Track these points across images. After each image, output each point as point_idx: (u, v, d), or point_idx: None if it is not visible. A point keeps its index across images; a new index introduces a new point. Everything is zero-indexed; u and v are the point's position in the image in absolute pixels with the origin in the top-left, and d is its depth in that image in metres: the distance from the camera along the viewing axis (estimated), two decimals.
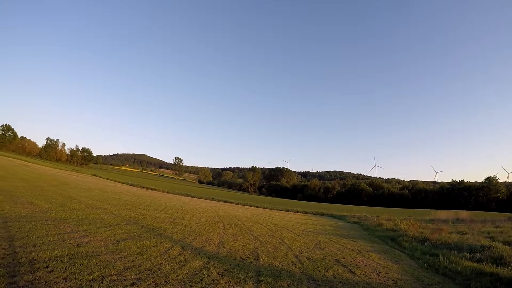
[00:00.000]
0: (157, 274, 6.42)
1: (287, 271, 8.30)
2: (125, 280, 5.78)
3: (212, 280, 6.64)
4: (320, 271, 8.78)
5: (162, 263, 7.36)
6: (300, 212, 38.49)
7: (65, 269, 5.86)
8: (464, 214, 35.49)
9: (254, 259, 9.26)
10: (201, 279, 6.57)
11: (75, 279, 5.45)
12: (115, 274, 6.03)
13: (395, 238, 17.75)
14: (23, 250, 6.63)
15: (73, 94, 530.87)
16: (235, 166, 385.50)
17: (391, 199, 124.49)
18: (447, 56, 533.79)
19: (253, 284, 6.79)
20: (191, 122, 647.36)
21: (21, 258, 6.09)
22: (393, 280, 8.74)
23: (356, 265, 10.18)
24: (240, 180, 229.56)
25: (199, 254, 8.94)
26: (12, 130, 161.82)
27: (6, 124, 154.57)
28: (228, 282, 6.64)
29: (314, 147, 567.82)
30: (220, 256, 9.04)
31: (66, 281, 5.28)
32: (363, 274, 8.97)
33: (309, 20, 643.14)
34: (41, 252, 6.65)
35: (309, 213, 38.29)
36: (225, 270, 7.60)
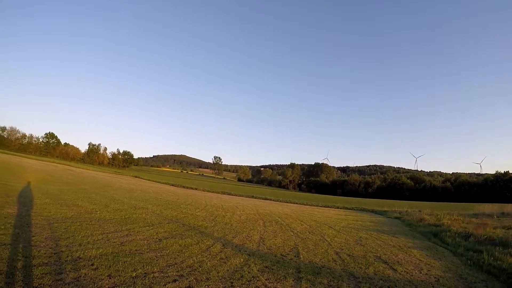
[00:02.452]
0: (199, 271, 6.62)
1: (328, 268, 8.26)
2: (167, 277, 6.03)
3: (252, 276, 6.76)
4: (360, 268, 8.66)
5: (204, 260, 7.59)
6: (340, 208, 38.27)
7: (110, 266, 6.21)
8: (510, 207, 33.07)
9: (295, 256, 9.30)
10: (242, 276, 6.70)
11: (119, 276, 5.76)
12: (158, 271, 6.30)
13: (437, 233, 17.21)
14: (69, 249, 7.08)
15: (113, 100, 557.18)
16: (274, 163, 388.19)
17: (433, 192, 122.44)
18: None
19: (293, 281, 6.83)
20: (230, 121, 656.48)
21: (67, 256, 6.51)
22: (435, 277, 8.42)
23: (398, 262, 9.93)
24: (280, 177, 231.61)
25: (240, 251, 9.11)
26: (56, 137, 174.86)
27: (49, 132, 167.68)
28: (268, 279, 6.72)
29: (354, 142, 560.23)
30: (260, 253, 9.17)
31: (110, 278, 5.59)
32: (405, 271, 8.73)
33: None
34: (86, 251, 7.07)
35: (349, 209, 38.04)
36: (266, 267, 7.71)
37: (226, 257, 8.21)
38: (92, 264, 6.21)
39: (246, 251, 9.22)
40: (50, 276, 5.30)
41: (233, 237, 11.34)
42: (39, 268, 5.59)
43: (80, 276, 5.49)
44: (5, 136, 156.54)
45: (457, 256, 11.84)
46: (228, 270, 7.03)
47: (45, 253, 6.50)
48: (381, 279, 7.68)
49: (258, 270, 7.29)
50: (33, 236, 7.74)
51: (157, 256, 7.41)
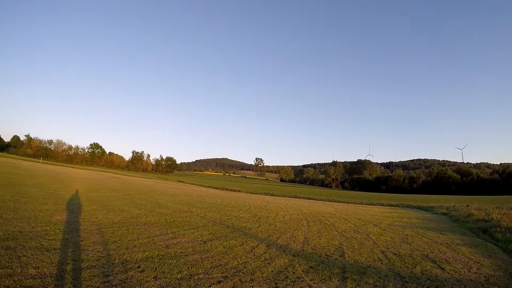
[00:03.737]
0: (243, 272, 6.68)
1: (373, 268, 8.04)
2: (212, 278, 6.13)
3: (297, 277, 6.71)
4: (407, 267, 8.35)
5: (248, 261, 7.65)
6: (385, 205, 37.39)
7: (155, 268, 6.40)
8: None
9: (339, 256, 9.14)
10: (286, 277, 6.67)
11: (165, 277, 5.93)
12: (202, 272, 6.42)
13: (486, 229, 16.19)
14: (116, 252, 7.39)
15: (155, 107, 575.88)
16: (316, 162, 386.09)
17: (481, 185, 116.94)
18: None
19: (338, 281, 6.71)
20: (271, 122, 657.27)
21: (115, 259, 6.79)
22: (485, 276, 7.92)
23: (446, 260, 9.45)
24: (322, 176, 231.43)
25: (284, 252, 9.08)
26: (100, 147, 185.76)
27: (94, 142, 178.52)
28: (313, 280, 6.65)
29: (396, 136, 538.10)
30: (304, 254, 9.09)
31: (156, 280, 5.77)
32: (453, 270, 8.29)
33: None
34: (133, 254, 7.35)
35: (394, 206, 37.04)
36: (310, 267, 7.63)
37: (271, 258, 8.22)
38: (139, 267, 6.43)
39: (290, 251, 9.19)
40: (98, 278, 5.54)
41: (277, 237, 11.35)
42: (88, 270, 5.86)
43: (127, 278, 5.70)
44: (52, 148, 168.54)
45: (508, 253, 11.23)
46: (272, 271, 7.03)
47: (93, 257, 6.81)
48: (428, 279, 7.39)
49: (302, 271, 7.23)
50: (81, 241, 8.13)
51: (201, 258, 7.55)
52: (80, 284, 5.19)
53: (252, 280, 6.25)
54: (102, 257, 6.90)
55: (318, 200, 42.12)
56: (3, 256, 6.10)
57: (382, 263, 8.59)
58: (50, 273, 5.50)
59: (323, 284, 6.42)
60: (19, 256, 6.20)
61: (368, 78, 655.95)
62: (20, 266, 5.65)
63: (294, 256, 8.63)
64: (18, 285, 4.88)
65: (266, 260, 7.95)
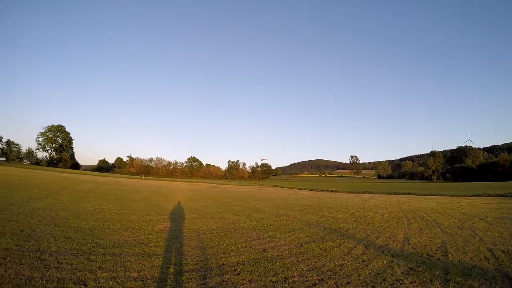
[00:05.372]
0: (339, 275, 6.56)
1: (479, 268, 7.27)
2: (307, 281, 6.13)
3: (395, 280, 6.39)
4: None
5: (345, 263, 7.49)
6: (492, 196, 33.77)
7: (251, 272, 6.61)
8: None
9: (442, 255, 8.48)
10: (384, 279, 6.40)
11: (260, 280, 6.10)
12: (298, 275, 6.46)
13: None
14: (214, 256, 7.80)
15: (247, 115, 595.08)
16: (414, 154, 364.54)
17: None
18: None
19: (440, 284, 6.22)
20: (364, 118, 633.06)
21: (212, 263, 7.17)
22: None
23: None
24: (421, 168, 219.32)
25: (383, 252, 8.73)
26: (198, 160, 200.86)
27: (191, 156, 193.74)
28: (413, 282, 6.27)
29: (499, 115, 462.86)
30: (404, 254, 8.63)
31: (251, 282, 5.96)
32: None
33: None
34: (230, 258, 7.69)
35: (502, 196, 33.27)
36: (410, 268, 7.20)
37: (368, 259, 7.96)
38: (235, 270, 6.70)
39: (389, 252, 8.81)
40: (196, 281, 5.92)
41: (375, 237, 10.96)
42: (187, 274, 6.30)
43: (223, 281, 5.98)
44: (153, 165, 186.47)
45: None
46: (370, 273, 6.80)
47: (192, 261, 7.29)
48: None
49: (402, 273, 6.87)
50: (182, 247, 8.74)
51: (297, 261, 7.59)
52: (179, 286, 5.61)
53: (349, 283, 6.12)
54: (201, 261, 7.34)
55: (419, 195, 39.89)
56: (109, 261, 6.88)
57: (489, 263, 7.79)
58: (151, 276, 6.03)
59: None
60: (123, 261, 6.92)
61: (463, 52, 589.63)
62: (124, 270, 6.31)
63: (393, 256, 8.26)
64: (121, 287, 5.47)
65: (364, 261, 7.73)
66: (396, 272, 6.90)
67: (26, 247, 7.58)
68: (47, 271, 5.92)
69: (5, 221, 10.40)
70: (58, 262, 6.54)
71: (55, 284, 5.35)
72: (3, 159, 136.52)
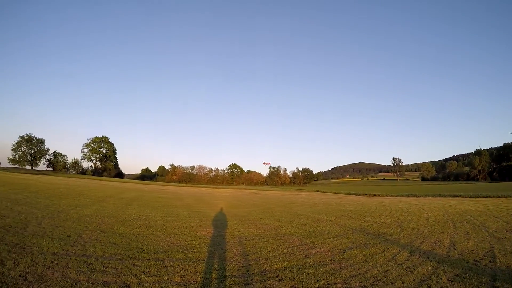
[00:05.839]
0: (383, 282, 6.43)
1: None
2: (349, 287, 6.01)
3: (441, 287, 6.16)
4: None
5: (389, 269, 7.33)
6: None
7: (294, 278, 6.57)
8: None
9: (490, 261, 8.09)
10: (429, 286, 6.19)
11: (302, 287, 6.07)
12: (340, 282, 6.36)
13: None
14: (256, 262, 7.83)
15: (287, 121, 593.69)
16: (459, 154, 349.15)
17: None
18: None
19: None
20: (404, 118, 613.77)
21: (254, 269, 7.20)
22: None
23: None
24: (467, 169, 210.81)
25: (428, 258, 8.45)
26: (238, 167, 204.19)
27: (232, 163, 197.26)
28: None
29: None
30: (450, 260, 8.29)
31: None
32: None
33: None
34: (272, 264, 7.69)
35: None
36: (456, 275, 6.90)
37: (413, 265, 7.74)
38: (277, 276, 6.69)
39: (434, 257, 8.49)
40: (238, 286, 5.98)
41: (420, 242, 10.62)
42: (229, 279, 6.37)
43: (265, 287, 6.00)
44: (194, 173, 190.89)
45: None
46: (414, 280, 6.59)
47: (234, 267, 7.36)
48: None
49: (447, 280, 6.59)
50: (224, 253, 8.84)
51: (340, 267, 7.49)
52: None
53: None
54: (243, 267, 7.40)
55: (464, 197, 38.21)
56: (153, 266, 7.08)
57: None
58: (194, 281, 6.14)
59: None
60: (167, 266, 7.10)
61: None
62: (167, 275, 6.47)
63: (438, 262, 7.97)
64: None
65: (408, 268, 7.51)
66: (441, 279, 6.65)
67: (73, 251, 7.95)
68: (93, 275, 6.18)
69: (53, 227, 10.96)
70: (103, 266, 6.81)
71: (100, 287, 5.57)
72: (51, 169, 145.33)
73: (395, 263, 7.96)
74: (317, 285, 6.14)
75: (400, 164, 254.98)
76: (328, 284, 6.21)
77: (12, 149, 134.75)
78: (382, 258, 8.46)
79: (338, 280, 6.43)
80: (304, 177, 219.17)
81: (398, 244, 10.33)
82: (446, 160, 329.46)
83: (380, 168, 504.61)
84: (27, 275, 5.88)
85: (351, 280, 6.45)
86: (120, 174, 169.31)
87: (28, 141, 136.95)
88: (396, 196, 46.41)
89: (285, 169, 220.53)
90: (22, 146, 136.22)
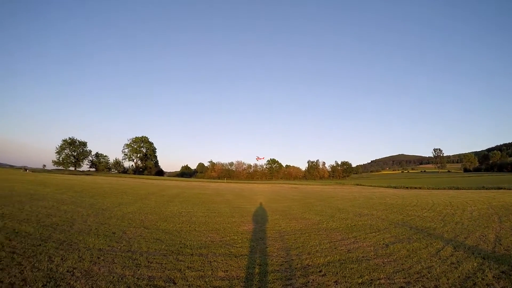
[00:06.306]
0: (427, 278, 6.26)
1: None
2: (393, 284, 5.94)
3: (486, 284, 5.92)
4: None
5: (433, 265, 7.13)
6: None
7: (337, 273, 6.53)
8: None
9: None
10: (474, 283, 5.96)
11: (346, 282, 6.00)
12: (384, 277, 6.27)
13: None
14: (298, 257, 7.84)
15: (324, 115, 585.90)
16: (502, 143, 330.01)
17: None
18: None
19: None
20: (445, 108, 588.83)
21: (297, 264, 7.22)
22: None
23: None
24: (511, 159, 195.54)
25: (473, 254, 8.14)
26: (277, 162, 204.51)
27: (271, 158, 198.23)
28: (505, 287, 5.77)
29: None
30: (496, 256, 7.93)
31: (337, 284, 5.90)
32: None
33: None
34: (314, 259, 7.67)
35: None
36: (502, 272, 6.60)
37: (457, 261, 7.48)
38: (320, 271, 6.67)
39: (480, 253, 8.16)
40: (281, 281, 6.00)
41: (465, 238, 10.25)
42: (272, 274, 6.41)
43: (308, 282, 5.99)
44: (233, 169, 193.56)
45: None
46: (459, 276, 6.37)
47: (276, 262, 7.41)
48: None
49: (493, 277, 6.32)
50: (266, 248, 8.91)
51: (383, 262, 7.38)
52: (265, 286, 5.74)
53: (437, 286, 5.82)
54: (285, 262, 7.43)
55: (509, 189, 36.39)
56: (197, 261, 7.25)
57: None
58: (237, 276, 6.26)
59: None
60: (210, 261, 7.26)
61: None
62: (211, 269, 6.62)
63: (484, 258, 7.66)
64: (209, 286, 5.74)
65: (453, 263, 7.28)
66: (487, 276, 6.40)
67: (118, 247, 8.27)
68: (138, 270, 6.41)
69: (98, 224, 11.42)
70: (148, 262, 7.04)
71: (146, 282, 5.77)
72: (93, 169, 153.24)
73: (439, 258, 7.75)
74: (360, 280, 6.08)
75: (441, 155, 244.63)
76: (371, 279, 6.13)
77: (56, 152, 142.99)
78: (425, 253, 8.27)
79: (381, 276, 6.34)
80: (343, 171, 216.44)
81: (442, 239, 10.07)
82: (489, 150, 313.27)
83: (421, 160, 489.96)
84: (74, 270, 6.16)
85: (394, 276, 6.34)
86: (160, 172, 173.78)
87: (71, 144, 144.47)
88: (438, 189, 45.04)
89: (324, 163, 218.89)
90: (65, 149, 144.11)
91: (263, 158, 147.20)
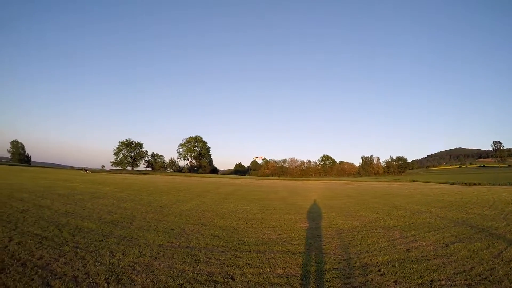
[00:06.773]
0: (489, 280, 6.02)
1: None
2: (454, 285, 5.77)
3: None
4: None
5: (495, 267, 6.83)
6: None
7: (396, 272, 6.45)
8: None
9: None
10: None
11: (405, 282, 5.92)
12: (445, 279, 6.10)
13: None
14: (356, 256, 7.80)
15: (376, 110, 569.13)
16: None
17: None
18: None
19: None
20: (504, 97, 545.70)
21: (355, 263, 7.19)
22: None
23: None
24: None
25: None
26: (330, 158, 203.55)
27: (324, 154, 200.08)
28: None
29: None
30: None
31: (396, 284, 5.82)
32: None
33: None
34: (373, 258, 7.60)
35: None
36: None
37: None
38: (379, 270, 6.61)
39: None
40: (339, 280, 6.01)
41: None
42: (329, 272, 6.44)
43: (367, 281, 5.96)
44: (287, 166, 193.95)
45: None
46: None
47: (334, 260, 7.41)
48: None
49: None
50: (323, 245, 8.91)
51: (444, 263, 7.19)
52: (323, 285, 5.77)
53: None
54: (343, 260, 7.42)
55: None
56: (255, 258, 7.42)
57: None
58: (295, 273, 6.33)
59: None
60: (268, 258, 7.40)
61: None
62: (269, 267, 6.75)
63: None
64: (267, 282, 5.86)
65: None
66: None
67: (177, 243, 8.60)
68: (197, 265, 6.67)
69: (157, 221, 11.93)
70: (207, 257, 7.30)
71: (205, 277, 6.00)
72: (150, 169, 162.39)
73: (502, 260, 7.42)
74: (420, 281, 5.96)
75: (501, 148, 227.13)
76: (431, 280, 5.99)
77: (114, 153, 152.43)
78: (487, 254, 7.95)
79: (442, 277, 6.17)
80: (398, 166, 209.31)
81: (505, 240, 9.63)
82: None
83: (480, 154, 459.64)
84: (135, 265, 6.52)
85: (455, 278, 6.16)
86: (214, 170, 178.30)
87: (128, 145, 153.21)
88: (498, 185, 42.74)
89: (378, 158, 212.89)
90: (122, 150, 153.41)
91: (262, 157, 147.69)
